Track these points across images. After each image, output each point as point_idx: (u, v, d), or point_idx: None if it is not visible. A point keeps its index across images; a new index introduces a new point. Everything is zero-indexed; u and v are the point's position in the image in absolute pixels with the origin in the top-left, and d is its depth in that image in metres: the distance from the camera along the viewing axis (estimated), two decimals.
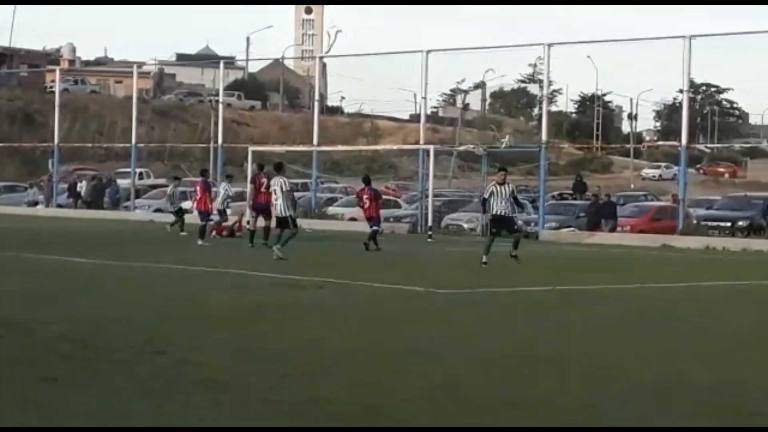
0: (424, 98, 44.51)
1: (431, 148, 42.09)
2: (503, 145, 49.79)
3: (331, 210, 45.76)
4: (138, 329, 11.93)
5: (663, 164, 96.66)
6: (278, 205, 25.54)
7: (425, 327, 12.92)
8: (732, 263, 28.02)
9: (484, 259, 22.86)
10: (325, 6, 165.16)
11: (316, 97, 52.06)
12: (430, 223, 38.47)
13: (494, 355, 10.75)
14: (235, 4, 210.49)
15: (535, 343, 11.70)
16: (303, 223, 42.93)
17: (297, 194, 49.74)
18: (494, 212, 23.42)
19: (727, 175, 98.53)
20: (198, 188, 32.49)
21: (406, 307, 15.39)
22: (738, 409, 8.19)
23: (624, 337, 12.49)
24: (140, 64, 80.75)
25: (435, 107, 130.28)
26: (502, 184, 23.57)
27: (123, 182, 53.10)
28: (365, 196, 31.20)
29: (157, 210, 46.09)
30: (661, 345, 11.90)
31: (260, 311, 14.14)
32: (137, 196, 50.67)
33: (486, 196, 23.85)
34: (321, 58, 72.05)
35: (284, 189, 25.63)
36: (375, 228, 30.05)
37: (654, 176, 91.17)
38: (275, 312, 14.15)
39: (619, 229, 38.86)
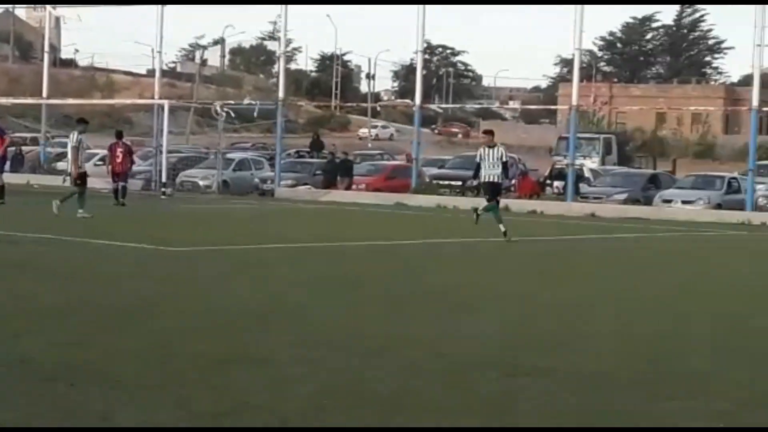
0: (160, 52, 43.49)
1: (166, 103, 41.18)
2: (245, 101, 49.41)
3: (61, 165, 44.16)
4: None
5: (380, 124, 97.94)
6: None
7: (147, 285, 12.49)
8: (461, 221, 28.73)
9: (502, 229, 20.58)
10: None
11: (46, 48, 50.01)
12: (164, 180, 37.78)
13: (214, 313, 10.47)
14: None
15: (250, 303, 11.49)
16: (31, 178, 41.49)
17: (26, 148, 47.97)
18: (483, 179, 21.19)
19: (460, 136, 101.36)
20: None
21: (129, 264, 14.88)
22: (457, 360, 8.23)
23: (346, 291, 12.45)
24: None
25: (173, 62, 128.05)
26: (491, 147, 21.28)
27: None
28: (119, 150, 31.17)
29: None
30: (387, 300, 11.92)
31: None
32: None
33: (477, 160, 21.44)
34: (53, 7, 69.24)
35: (71, 145, 25.34)
36: (123, 184, 30.30)
37: (373, 136, 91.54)
38: None
39: (354, 187, 39.24)
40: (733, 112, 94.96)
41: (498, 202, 21.54)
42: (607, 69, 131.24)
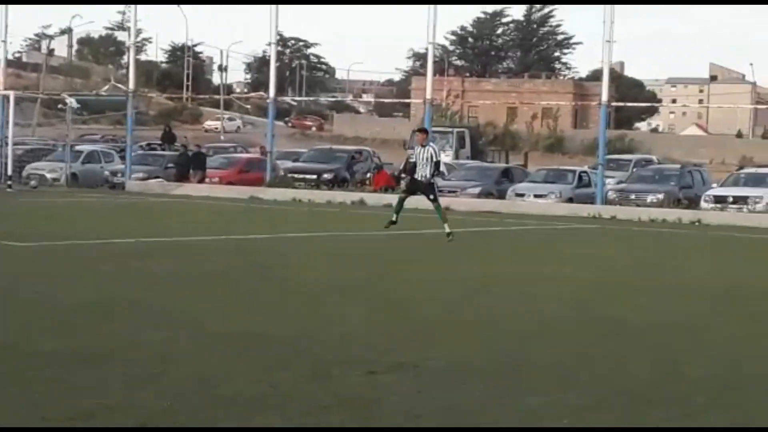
0: (4, 41, 42.17)
1: (11, 93, 40.00)
2: (103, 90, 48.33)
3: None
4: None
5: (227, 116, 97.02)
6: None
7: None
8: (317, 214, 28.61)
9: (394, 218, 20.77)
10: None
11: None
12: (10, 173, 36.78)
13: (61, 311, 10.13)
14: None
15: (112, 295, 11.18)
16: None
17: None
18: (418, 179, 20.94)
19: (314, 128, 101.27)
20: None
21: None
22: (318, 357, 8.13)
23: (202, 288, 12.23)
24: None
25: (19, 52, 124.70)
26: (423, 146, 21.00)
27: None
28: None
29: None
30: (242, 296, 11.75)
31: None
32: None
33: (412, 160, 21.40)
34: None
35: None
36: None
37: (216, 128, 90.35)
38: None
39: (207, 180, 38.76)
40: (582, 107, 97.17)
41: (413, 194, 21.54)
42: (459, 63, 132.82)
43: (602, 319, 11.02)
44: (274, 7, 38.05)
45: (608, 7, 33.49)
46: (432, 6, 35.60)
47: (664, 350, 9.20)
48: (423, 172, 20.86)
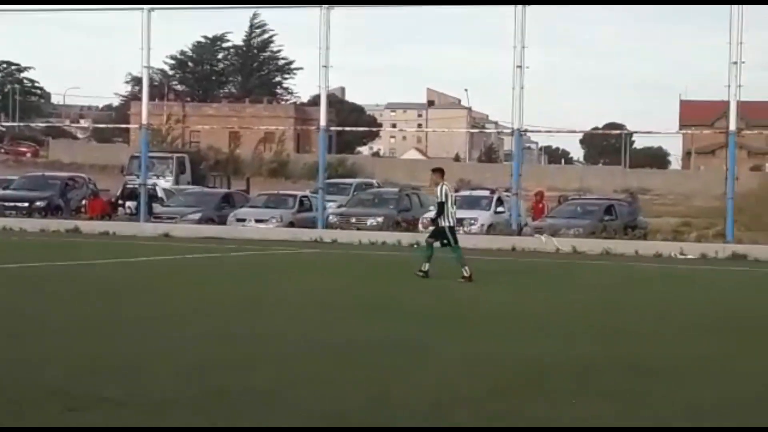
0: None
1: None
2: None
3: None
4: None
5: None
6: None
7: None
8: (30, 246, 27.62)
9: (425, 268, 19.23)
10: None
11: None
12: None
13: None
14: None
15: None
16: None
17: None
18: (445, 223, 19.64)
19: (29, 155, 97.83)
20: None
21: None
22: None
23: None
24: None
25: None
26: (437, 185, 19.83)
27: None
28: None
29: None
30: None
31: None
32: None
33: (442, 200, 19.62)
34: None
35: None
36: None
37: None
38: None
39: None
40: (305, 131, 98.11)
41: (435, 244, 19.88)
42: (180, 88, 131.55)
43: (314, 345, 11.05)
44: None
45: (323, 30, 33.89)
46: (146, 28, 35.09)
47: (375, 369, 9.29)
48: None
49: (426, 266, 19.27)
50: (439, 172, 20.21)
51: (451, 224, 19.72)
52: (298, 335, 11.64)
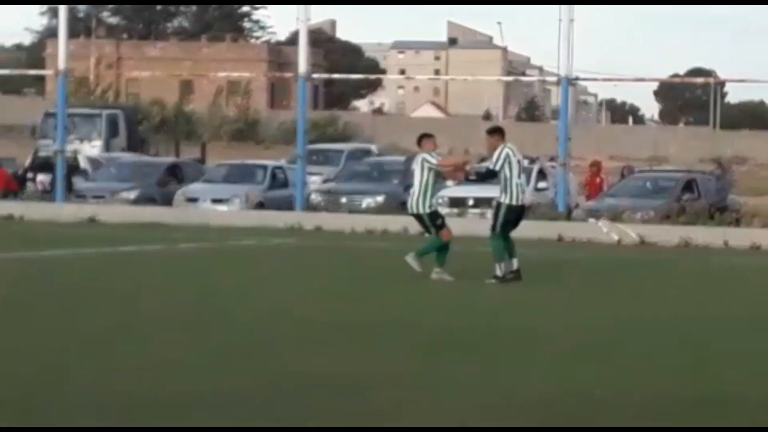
0: None
1: None
2: None
3: None
4: None
5: None
6: None
7: None
8: None
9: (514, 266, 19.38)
10: None
11: None
12: None
13: None
14: None
15: None
16: None
17: None
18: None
19: None
20: None
21: None
22: None
23: None
24: None
25: None
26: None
27: None
28: None
29: None
30: None
31: None
32: None
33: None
34: None
35: None
36: None
37: None
38: None
39: None
40: (281, 80, 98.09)
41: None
42: (113, 22, 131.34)
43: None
44: None
45: None
46: None
47: None
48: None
49: (500, 268, 19.04)
50: (498, 133, 19.95)
51: (517, 202, 19.37)
52: (257, 366, 11.63)
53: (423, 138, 20.15)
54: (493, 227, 19.45)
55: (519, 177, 19.38)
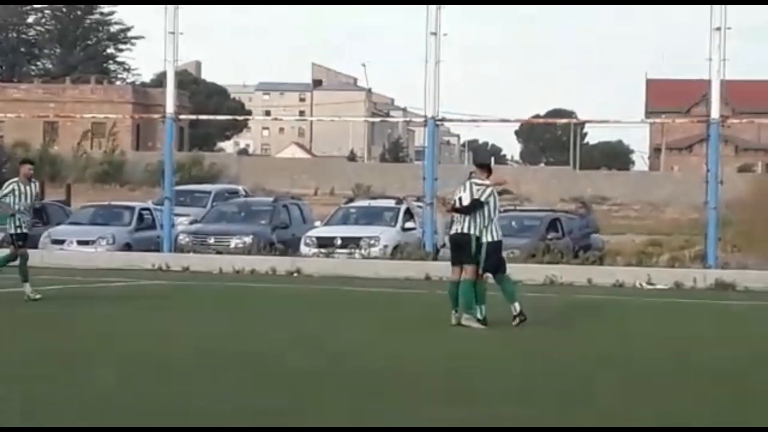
0: None
1: None
2: None
3: None
4: None
5: None
6: None
7: None
8: None
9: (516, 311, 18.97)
10: None
11: None
12: None
13: None
14: None
15: None
16: None
17: None
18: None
19: None
20: None
21: None
22: None
23: None
24: None
25: None
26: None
27: None
28: None
29: None
30: None
31: None
32: None
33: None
34: None
35: None
36: None
37: None
38: None
39: None
40: (147, 121, 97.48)
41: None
42: None
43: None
44: None
45: None
46: None
47: None
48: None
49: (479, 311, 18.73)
50: (486, 168, 19.57)
51: (495, 238, 18.89)
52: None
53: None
54: (485, 269, 18.86)
55: (495, 213, 18.84)
